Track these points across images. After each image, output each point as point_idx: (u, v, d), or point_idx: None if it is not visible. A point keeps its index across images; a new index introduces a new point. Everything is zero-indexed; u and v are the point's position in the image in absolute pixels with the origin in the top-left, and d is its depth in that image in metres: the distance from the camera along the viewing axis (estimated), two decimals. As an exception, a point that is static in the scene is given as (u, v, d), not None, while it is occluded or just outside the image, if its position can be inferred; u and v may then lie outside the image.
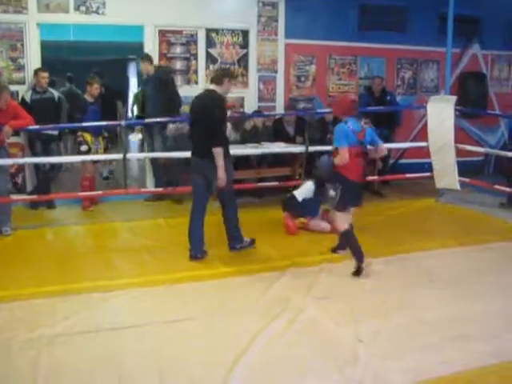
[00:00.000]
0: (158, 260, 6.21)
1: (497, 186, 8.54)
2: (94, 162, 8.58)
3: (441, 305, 5.02)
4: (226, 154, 6.03)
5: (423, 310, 4.86)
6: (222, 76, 6.15)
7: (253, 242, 6.52)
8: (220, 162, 5.85)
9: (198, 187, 6.17)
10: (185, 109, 8.61)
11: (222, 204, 6.38)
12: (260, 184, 8.81)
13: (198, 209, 6.21)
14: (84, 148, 8.30)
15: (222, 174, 5.88)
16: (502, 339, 4.45)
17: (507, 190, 8.42)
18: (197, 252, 6.16)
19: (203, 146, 5.95)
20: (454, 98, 8.71)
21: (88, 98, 8.42)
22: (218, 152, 5.84)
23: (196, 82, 9.43)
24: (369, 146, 5.90)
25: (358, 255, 5.73)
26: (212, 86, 6.13)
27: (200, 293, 5.30)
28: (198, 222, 6.19)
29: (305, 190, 7.31)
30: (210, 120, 5.90)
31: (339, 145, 5.68)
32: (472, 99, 9.77)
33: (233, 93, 9.48)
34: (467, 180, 8.83)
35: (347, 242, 5.94)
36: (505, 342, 4.41)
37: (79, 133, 8.32)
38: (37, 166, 8.40)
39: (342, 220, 5.87)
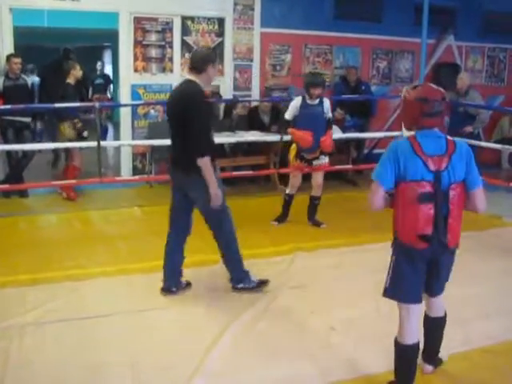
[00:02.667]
0: (131, 249, 6.19)
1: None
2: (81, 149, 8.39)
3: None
4: (215, 164, 4.85)
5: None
6: (203, 62, 4.77)
7: (263, 283, 5.18)
8: (209, 175, 4.66)
9: (176, 207, 5.07)
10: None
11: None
12: (235, 173, 8.81)
13: (175, 232, 5.15)
14: (86, 134, 8.14)
15: (214, 189, 4.69)
16: (471, 326, 4.53)
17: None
18: (171, 284, 5.09)
19: (187, 157, 4.70)
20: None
21: (71, 81, 8.21)
22: (204, 163, 4.62)
23: (171, 70, 9.38)
24: None
25: None
26: (192, 76, 4.80)
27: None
28: (175, 247, 5.14)
29: None
30: (189, 124, 4.66)
31: None
32: (446, 90, 9.79)
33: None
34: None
35: None
36: (474, 328, 4.48)
37: (76, 120, 8.11)
38: (9, 154, 8.29)
39: None
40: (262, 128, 9.29)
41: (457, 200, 3.33)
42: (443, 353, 3.94)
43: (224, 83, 9.77)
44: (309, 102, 6.85)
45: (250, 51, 9.92)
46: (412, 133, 3.47)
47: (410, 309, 3.45)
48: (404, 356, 3.50)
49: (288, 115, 6.95)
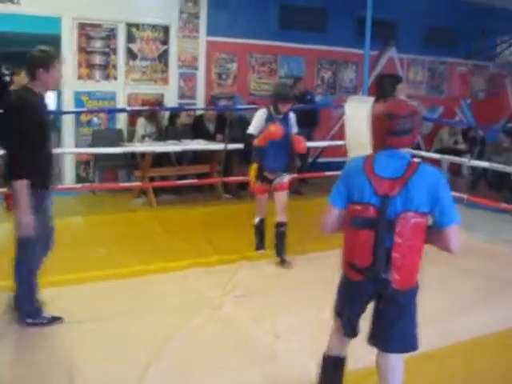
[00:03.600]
0: (74, 258, 6.07)
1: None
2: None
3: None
4: (41, 186, 4.23)
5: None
6: (34, 66, 4.13)
7: (54, 320, 4.47)
8: (20, 201, 4.03)
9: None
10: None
11: None
12: (180, 181, 8.76)
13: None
14: None
15: (23, 217, 4.06)
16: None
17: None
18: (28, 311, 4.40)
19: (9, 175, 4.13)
20: (371, 99, 8.91)
21: (15, 87, 8.01)
22: (18, 186, 4.01)
23: (115, 78, 9.29)
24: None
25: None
26: (29, 82, 4.21)
27: (117, 291, 5.22)
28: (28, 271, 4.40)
29: None
30: (11, 138, 4.09)
31: None
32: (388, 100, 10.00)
33: (153, 89, 9.53)
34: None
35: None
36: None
37: None
38: None
39: None
40: (207, 136, 9.28)
41: (408, 232, 2.88)
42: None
43: (169, 91, 9.73)
44: (274, 116, 6.06)
45: (195, 59, 9.90)
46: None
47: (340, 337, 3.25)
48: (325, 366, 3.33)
49: (253, 129, 6.05)
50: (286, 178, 6.19)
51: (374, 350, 3.19)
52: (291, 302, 5.06)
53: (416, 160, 3.00)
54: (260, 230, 6.36)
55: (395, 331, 3.01)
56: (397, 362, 3.10)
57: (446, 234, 2.95)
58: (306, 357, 4.12)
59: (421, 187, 2.89)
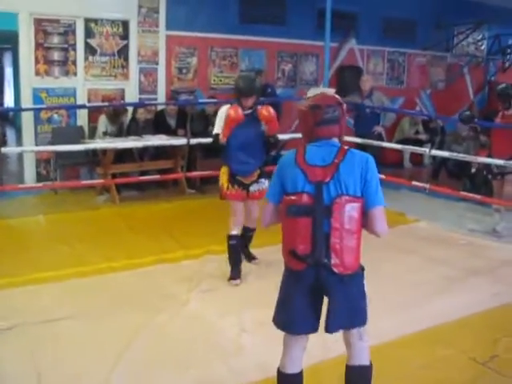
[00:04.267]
0: (36, 258, 6.00)
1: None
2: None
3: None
4: None
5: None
6: None
7: None
8: None
9: None
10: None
11: None
12: (142, 177, 8.70)
13: None
14: None
15: None
16: (379, 321, 4.65)
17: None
18: None
19: None
20: (332, 91, 8.92)
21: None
22: None
23: (75, 74, 9.16)
24: None
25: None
26: None
27: (82, 289, 5.17)
28: None
29: None
30: None
31: None
32: (349, 92, 10.07)
33: (113, 85, 9.44)
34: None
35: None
36: (382, 323, 4.61)
37: None
38: None
39: None
40: (169, 132, 9.22)
41: (345, 217, 2.89)
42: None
43: (129, 87, 9.64)
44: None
45: (155, 54, 9.83)
46: None
47: (292, 339, 3.13)
48: None
49: (218, 128, 5.52)
50: (266, 184, 5.49)
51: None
52: (258, 295, 5.07)
53: (345, 147, 3.05)
54: (236, 251, 5.59)
55: (343, 312, 2.99)
56: (360, 336, 3.16)
57: (372, 216, 2.98)
58: (273, 350, 4.13)
59: (352, 171, 2.94)
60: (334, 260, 2.89)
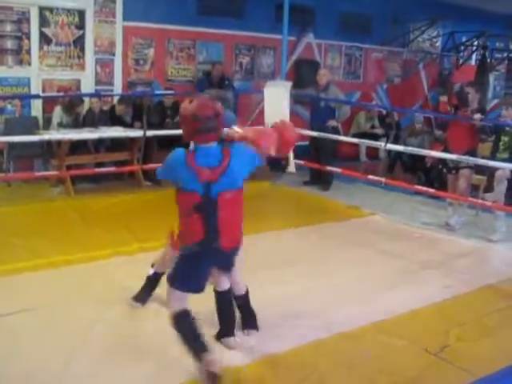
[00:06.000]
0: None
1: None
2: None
3: (278, 283, 5.20)
4: None
5: (260, 289, 4.80)
6: None
7: None
8: None
9: None
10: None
11: None
12: (97, 169, 8.60)
13: None
14: None
15: None
16: (332, 313, 4.72)
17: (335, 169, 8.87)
18: None
19: None
20: (289, 84, 8.99)
21: None
22: None
23: (29, 63, 8.99)
24: None
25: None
26: None
27: (37, 283, 5.09)
28: None
29: None
30: None
31: None
32: (306, 85, 10.12)
33: (69, 75, 9.30)
34: (302, 162, 9.14)
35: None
36: (335, 315, 4.68)
37: None
38: None
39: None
40: (125, 124, 9.12)
41: (229, 207, 3.50)
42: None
43: (85, 77, 9.51)
44: None
45: (111, 45, 9.71)
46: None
47: (183, 295, 3.69)
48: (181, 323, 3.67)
49: None
50: None
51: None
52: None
53: (227, 144, 3.53)
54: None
55: (230, 268, 3.88)
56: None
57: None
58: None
59: (239, 166, 3.49)
60: (223, 243, 3.55)
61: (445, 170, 7.68)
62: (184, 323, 3.62)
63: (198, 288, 3.68)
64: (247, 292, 4.37)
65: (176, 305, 3.65)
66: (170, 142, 8.82)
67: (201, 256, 3.58)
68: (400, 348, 4.26)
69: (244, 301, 4.37)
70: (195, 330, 3.58)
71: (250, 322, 4.38)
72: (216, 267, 3.77)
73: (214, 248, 3.54)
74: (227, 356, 3.97)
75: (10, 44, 8.82)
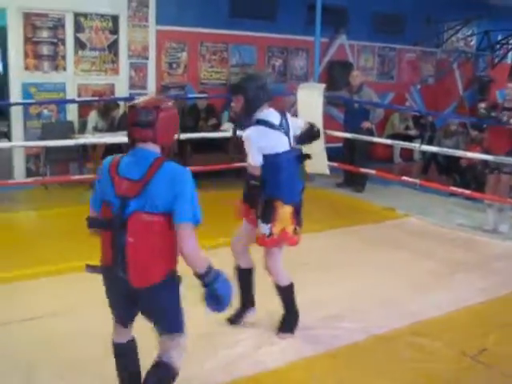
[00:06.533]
0: (26, 253, 5.96)
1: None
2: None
3: (314, 286, 5.16)
4: None
5: (296, 291, 4.69)
6: None
7: None
8: None
9: None
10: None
11: None
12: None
13: None
14: None
15: None
16: (369, 315, 4.69)
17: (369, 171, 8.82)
18: None
19: None
20: (322, 86, 8.99)
21: None
22: None
23: (64, 68, 9.12)
24: None
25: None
26: None
27: (66, 285, 5.11)
28: None
29: None
30: None
31: None
32: (339, 87, 10.09)
33: (103, 80, 9.41)
34: (336, 164, 9.12)
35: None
36: (372, 317, 4.65)
37: None
38: None
39: None
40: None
41: (141, 232, 2.82)
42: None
43: (119, 82, 9.61)
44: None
45: (145, 49, 9.80)
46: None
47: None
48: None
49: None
50: (267, 230, 4.15)
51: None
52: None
53: (160, 158, 2.91)
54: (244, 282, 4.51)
55: (158, 318, 3.05)
56: (173, 341, 3.10)
57: (178, 234, 2.83)
58: (265, 346, 4.15)
59: (161, 186, 2.83)
60: (131, 274, 2.85)
61: (486, 171, 7.53)
62: (117, 358, 3.25)
63: (119, 319, 3.17)
64: (289, 286, 4.27)
65: (113, 333, 3.25)
66: (203, 145, 8.89)
67: (110, 284, 3.06)
68: (436, 351, 4.21)
69: (283, 295, 4.28)
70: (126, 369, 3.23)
71: (286, 322, 4.32)
72: (130, 305, 3.04)
73: (121, 279, 2.89)
74: (262, 359, 3.97)
75: (46, 50, 8.97)
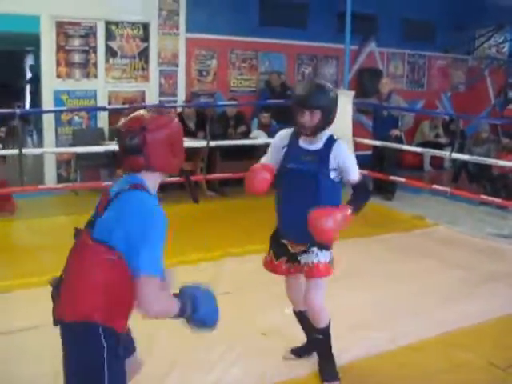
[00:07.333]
0: (58, 259, 6.02)
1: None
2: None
3: (343, 294, 5.12)
4: None
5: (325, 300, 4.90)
6: None
7: None
8: None
9: None
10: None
11: None
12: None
13: None
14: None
15: None
16: (397, 325, 4.66)
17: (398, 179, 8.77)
18: None
19: None
20: (352, 93, 8.97)
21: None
22: None
23: (95, 76, 9.24)
24: None
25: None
26: None
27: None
28: None
29: None
30: None
31: None
32: (369, 94, 10.06)
33: (133, 87, 9.51)
34: (365, 172, 9.05)
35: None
36: (400, 327, 4.62)
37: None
38: None
39: None
40: (188, 134, 9.24)
41: (82, 261, 2.43)
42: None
43: (149, 89, 9.70)
44: (301, 142, 3.81)
45: (175, 56, 9.88)
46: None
47: None
48: None
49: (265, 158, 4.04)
50: (321, 258, 3.73)
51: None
52: (277, 299, 5.07)
53: (135, 184, 2.44)
54: (302, 322, 4.08)
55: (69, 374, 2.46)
56: None
57: (137, 286, 2.31)
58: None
59: (112, 216, 2.40)
60: (60, 308, 2.45)
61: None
62: None
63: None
64: (328, 326, 3.73)
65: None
66: (232, 153, 8.91)
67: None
68: (465, 362, 4.17)
69: (323, 338, 3.75)
70: None
71: (327, 370, 3.79)
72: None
73: (53, 309, 2.51)
74: (290, 367, 3.97)
75: (77, 58, 9.09)
